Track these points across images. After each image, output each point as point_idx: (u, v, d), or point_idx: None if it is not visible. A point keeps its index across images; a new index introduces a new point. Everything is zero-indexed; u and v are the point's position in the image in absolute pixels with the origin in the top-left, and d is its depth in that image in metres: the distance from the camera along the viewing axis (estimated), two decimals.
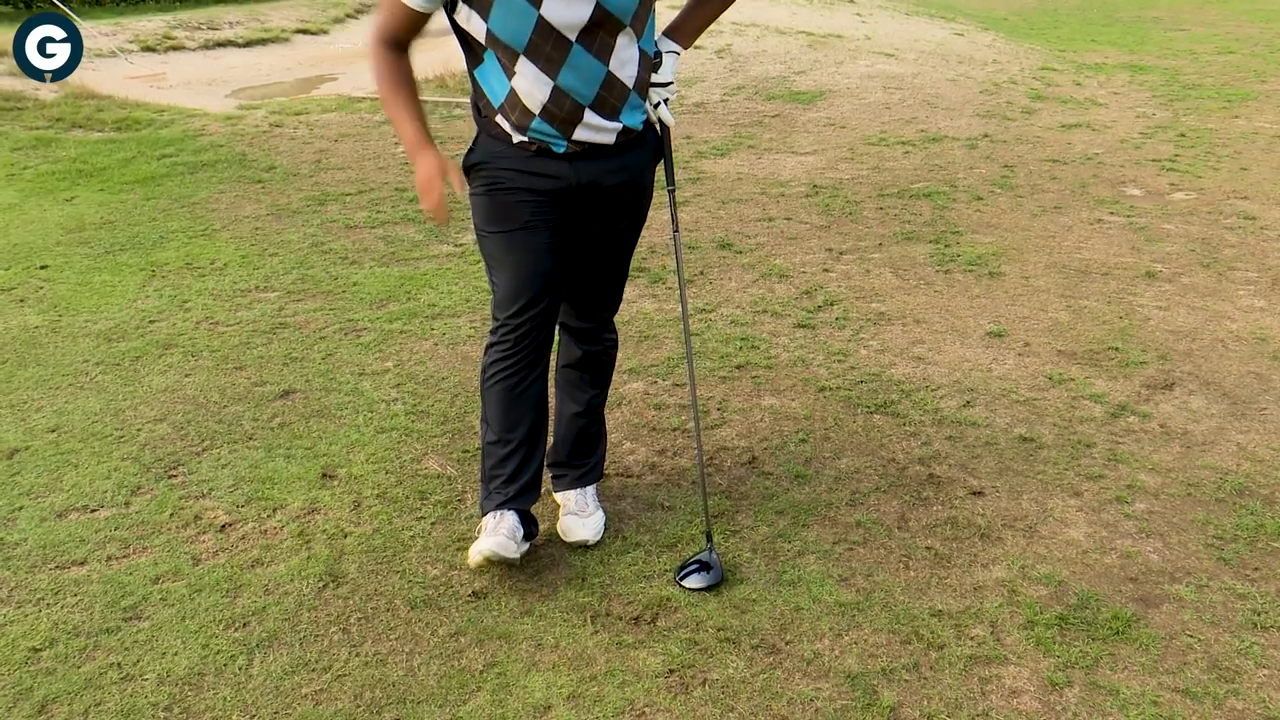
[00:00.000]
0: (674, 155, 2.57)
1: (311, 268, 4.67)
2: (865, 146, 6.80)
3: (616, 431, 3.22)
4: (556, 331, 2.68)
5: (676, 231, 2.56)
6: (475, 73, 2.28)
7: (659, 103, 2.38)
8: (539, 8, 2.11)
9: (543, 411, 2.58)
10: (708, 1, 2.43)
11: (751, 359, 3.74)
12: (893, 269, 4.64)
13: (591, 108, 2.23)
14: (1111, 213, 5.39)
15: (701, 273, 4.61)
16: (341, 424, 3.30)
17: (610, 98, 2.24)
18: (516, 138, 2.28)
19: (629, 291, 4.32)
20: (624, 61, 2.24)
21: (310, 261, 4.74)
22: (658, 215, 5.23)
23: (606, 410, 2.84)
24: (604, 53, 2.20)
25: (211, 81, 9.14)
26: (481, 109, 2.34)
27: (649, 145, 2.45)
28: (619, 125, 2.29)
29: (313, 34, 11.27)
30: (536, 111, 2.22)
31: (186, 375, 3.65)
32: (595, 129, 2.27)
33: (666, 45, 2.39)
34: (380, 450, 3.14)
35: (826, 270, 4.63)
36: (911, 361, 3.72)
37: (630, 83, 2.27)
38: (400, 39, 2.27)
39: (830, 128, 7.32)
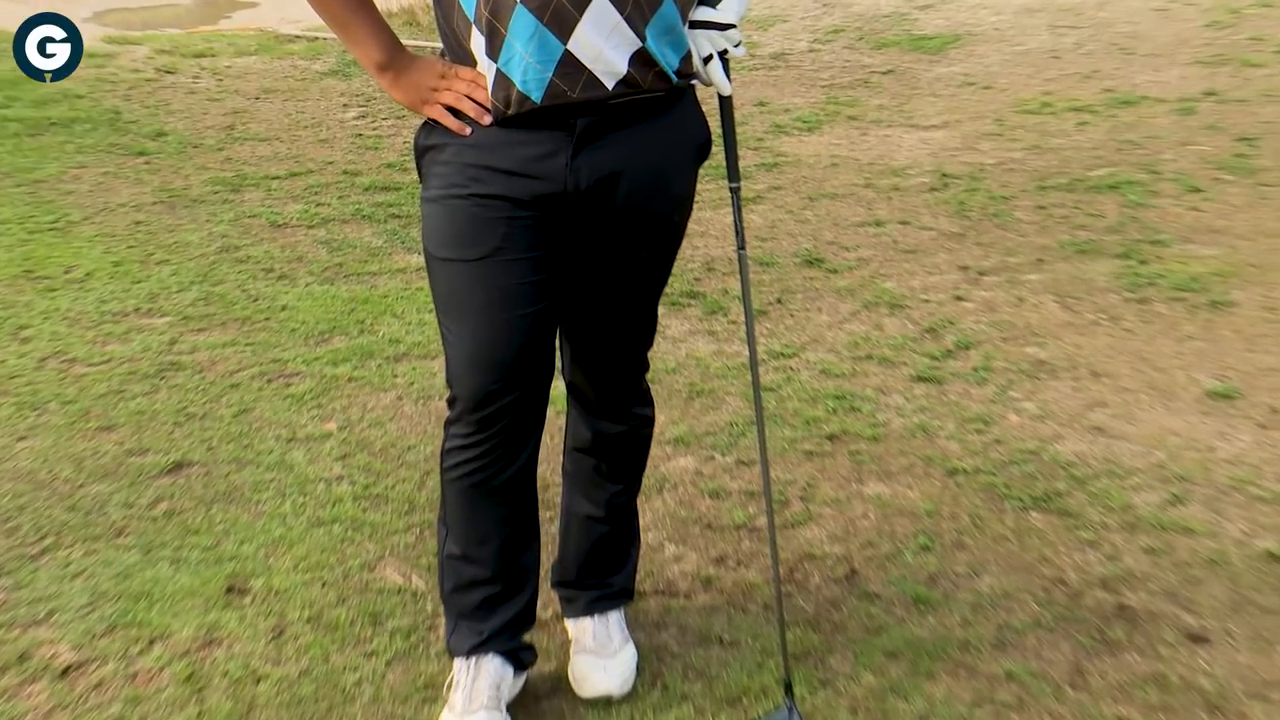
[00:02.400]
0: (739, 134, 2.52)
1: (220, 283, 4.73)
2: (1020, 116, 6.81)
3: (655, 530, 3.23)
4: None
5: (742, 248, 2.52)
6: None
7: (710, 55, 2.30)
8: None
9: (527, 515, 2.54)
10: None
11: (850, 426, 3.75)
12: (1059, 297, 4.64)
13: None
14: None
15: (779, 300, 4.63)
16: (259, 513, 3.33)
17: None
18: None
19: (676, 328, 4.34)
20: None
21: (218, 274, 4.81)
22: (715, 219, 5.30)
23: (642, 499, 2.84)
24: None
25: None
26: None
27: (688, 136, 2.39)
28: (639, 44, 2.18)
29: None
30: None
31: (21, 439, 3.68)
32: (606, 32, 2.14)
33: None
34: (315, 552, 3.16)
35: (960, 298, 4.64)
36: (1088, 433, 3.71)
37: None
38: None
39: (968, 89, 7.35)
